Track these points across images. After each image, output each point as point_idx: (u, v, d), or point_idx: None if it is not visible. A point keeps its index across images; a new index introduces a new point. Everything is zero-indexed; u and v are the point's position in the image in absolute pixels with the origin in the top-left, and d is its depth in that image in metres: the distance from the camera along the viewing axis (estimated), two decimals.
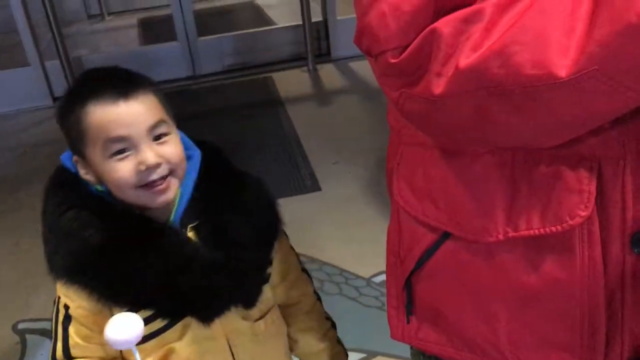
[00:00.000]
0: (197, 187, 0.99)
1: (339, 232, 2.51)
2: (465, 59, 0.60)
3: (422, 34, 0.64)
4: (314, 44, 4.21)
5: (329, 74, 4.14)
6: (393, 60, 0.66)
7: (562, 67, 0.55)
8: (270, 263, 1.05)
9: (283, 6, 5.08)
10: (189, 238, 0.96)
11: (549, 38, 0.56)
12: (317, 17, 4.25)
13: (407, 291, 0.89)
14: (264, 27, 4.69)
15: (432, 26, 0.63)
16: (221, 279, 0.94)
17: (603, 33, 0.54)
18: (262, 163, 3.07)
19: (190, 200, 0.98)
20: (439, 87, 0.63)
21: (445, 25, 0.62)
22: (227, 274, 0.95)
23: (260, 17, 5.29)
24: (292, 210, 2.75)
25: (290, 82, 4.08)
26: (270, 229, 1.04)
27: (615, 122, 0.65)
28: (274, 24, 4.88)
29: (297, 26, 4.24)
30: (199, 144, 1.02)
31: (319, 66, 4.18)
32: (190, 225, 0.97)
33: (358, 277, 2.24)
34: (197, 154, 1.00)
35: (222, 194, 1.00)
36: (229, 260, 0.95)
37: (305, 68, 4.19)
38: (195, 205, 0.98)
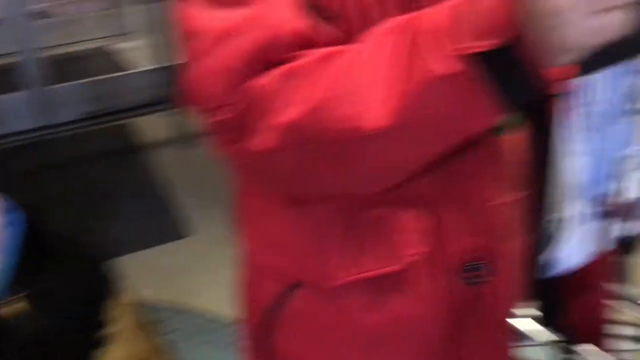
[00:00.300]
0: (23, 252, 0.94)
1: (210, 277, 2.46)
2: (287, 114, 0.61)
3: (247, 90, 0.64)
4: (175, 86, 4.15)
5: (192, 116, 4.10)
6: (220, 118, 0.66)
7: (373, 119, 0.57)
8: (102, 325, 1.01)
9: (141, 50, 4.97)
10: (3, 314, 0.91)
11: (362, 92, 0.58)
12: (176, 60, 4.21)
13: (264, 342, 0.88)
14: (122, 72, 4.57)
15: (255, 82, 0.63)
16: (46, 348, 0.91)
17: (409, 87, 0.56)
18: (127, 212, 2.95)
19: (20, 267, 0.93)
20: (264, 142, 0.63)
21: (269, 80, 0.63)
22: (52, 342, 0.91)
23: (117, 61, 5.15)
24: (160, 259, 2.68)
25: (153, 126, 3.99)
26: (97, 289, 1.02)
27: (427, 168, 0.68)
28: (133, 68, 4.77)
29: (156, 69, 4.17)
30: (22, 205, 0.97)
31: (181, 109, 4.13)
32: (20, 295, 0.92)
33: (230, 323, 2.19)
34: (19, 218, 0.96)
35: (46, 259, 0.97)
36: (54, 327, 0.92)
37: (167, 112, 4.11)
38: (23, 271, 0.93)
